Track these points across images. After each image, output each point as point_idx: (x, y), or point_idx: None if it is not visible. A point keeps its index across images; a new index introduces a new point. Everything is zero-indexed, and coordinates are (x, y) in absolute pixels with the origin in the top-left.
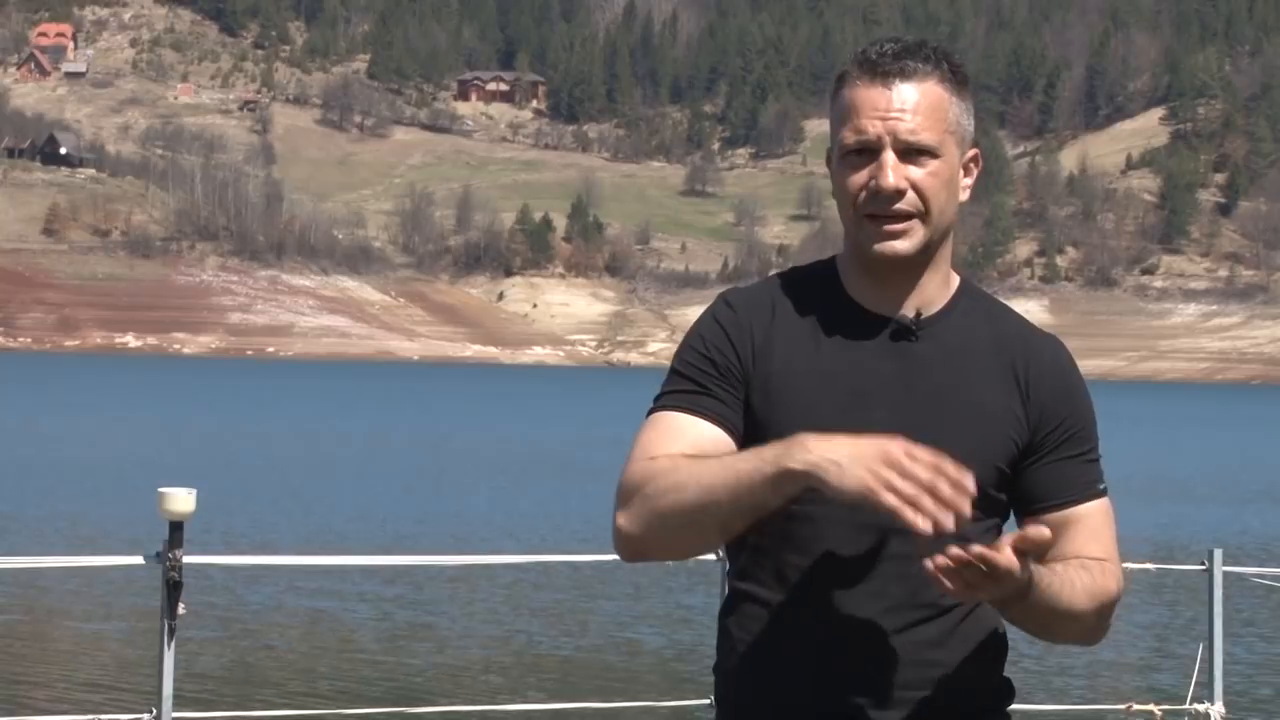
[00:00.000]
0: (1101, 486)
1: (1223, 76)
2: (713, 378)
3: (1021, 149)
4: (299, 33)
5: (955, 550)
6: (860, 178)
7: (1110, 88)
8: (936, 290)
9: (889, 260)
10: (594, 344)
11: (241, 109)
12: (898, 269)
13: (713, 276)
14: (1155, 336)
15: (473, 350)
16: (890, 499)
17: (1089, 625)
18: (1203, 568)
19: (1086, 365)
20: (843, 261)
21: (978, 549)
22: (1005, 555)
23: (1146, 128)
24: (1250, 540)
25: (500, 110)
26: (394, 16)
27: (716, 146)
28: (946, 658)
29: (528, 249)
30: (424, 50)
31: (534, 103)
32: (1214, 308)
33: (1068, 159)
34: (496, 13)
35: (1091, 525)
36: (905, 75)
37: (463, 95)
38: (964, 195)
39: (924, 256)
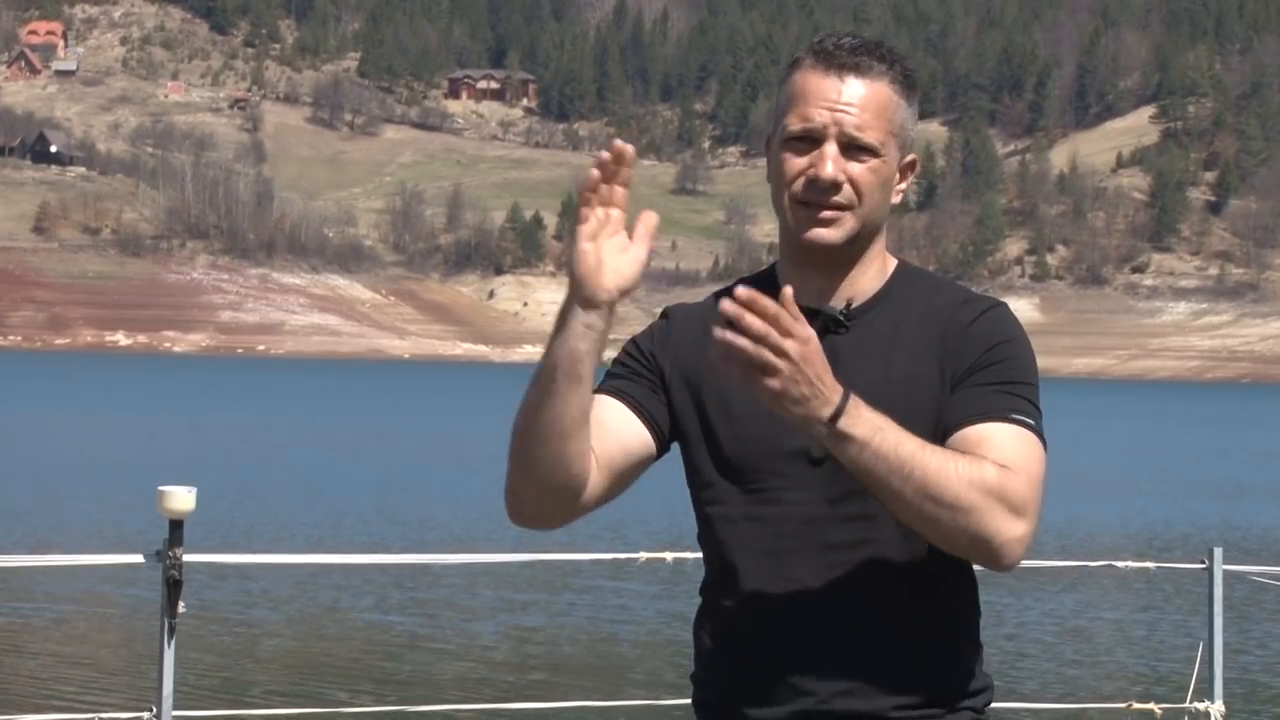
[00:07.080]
0: (1016, 416)
1: (1213, 75)
2: (626, 368)
3: (1012, 147)
4: (289, 31)
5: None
6: (799, 164)
7: (1100, 86)
8: (870, 281)
9: (817, 248)
10: None
11: (232, 107)
12: (827, 259)
13: (703, 275)
14: (1145, 335)
15: (463, 348)
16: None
17: (962, 508)
18: (1203, 565)
19: (1076, 364)
20: (780, 263)
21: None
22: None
23: (1137, 126)
24: (1249, 538)
25: (491, 108)
26: (384, 14)
27: (707, 145)
28: (900, 651)
29: (518, 247)
30: (414, 48)
31: (524, 101)
32: (1204, 306)
33: (1058, 157)
34: (487, 11)
35: (995, 441)
36: (859, 71)
37: (453, 93)
38: (896, 198)
39: (853, 249)
